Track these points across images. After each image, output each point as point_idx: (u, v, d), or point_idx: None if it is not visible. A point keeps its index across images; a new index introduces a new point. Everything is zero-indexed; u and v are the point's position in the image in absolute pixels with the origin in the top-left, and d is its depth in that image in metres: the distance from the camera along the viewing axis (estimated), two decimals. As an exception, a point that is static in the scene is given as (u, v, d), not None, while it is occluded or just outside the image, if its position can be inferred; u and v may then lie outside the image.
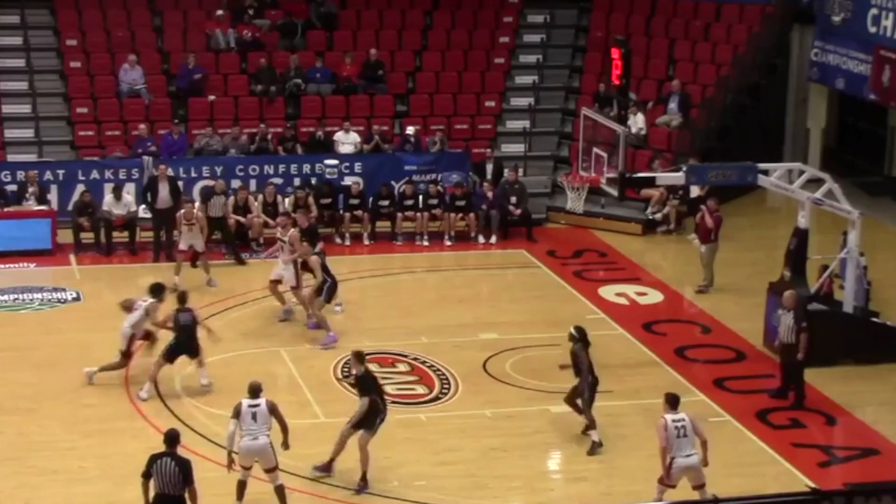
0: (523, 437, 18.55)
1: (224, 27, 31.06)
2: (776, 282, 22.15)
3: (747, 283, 24.67)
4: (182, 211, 24.52)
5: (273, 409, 16.20)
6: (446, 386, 20.28)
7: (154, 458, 14.75)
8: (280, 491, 16.22)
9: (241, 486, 16.23)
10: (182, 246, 24.42)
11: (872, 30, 29.11)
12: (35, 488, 16.75)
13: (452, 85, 31.59)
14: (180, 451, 15.01)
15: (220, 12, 31.30)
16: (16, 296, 23.85)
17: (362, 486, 16.94)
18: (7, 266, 25.41)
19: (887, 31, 28.61)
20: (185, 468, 14.64)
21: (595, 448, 18.22)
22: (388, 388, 20.00)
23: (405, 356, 21.16)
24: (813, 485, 16.71)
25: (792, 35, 32.81)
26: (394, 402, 19.54)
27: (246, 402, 16.17)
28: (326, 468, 17.24)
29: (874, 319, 22.07)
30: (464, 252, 27.30)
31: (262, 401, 16.16)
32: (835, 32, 30.46)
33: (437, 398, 19.90)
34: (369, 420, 16.91)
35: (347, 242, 26.84)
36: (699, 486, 15.95)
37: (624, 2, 33.16)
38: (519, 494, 17.01)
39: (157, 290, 20.33)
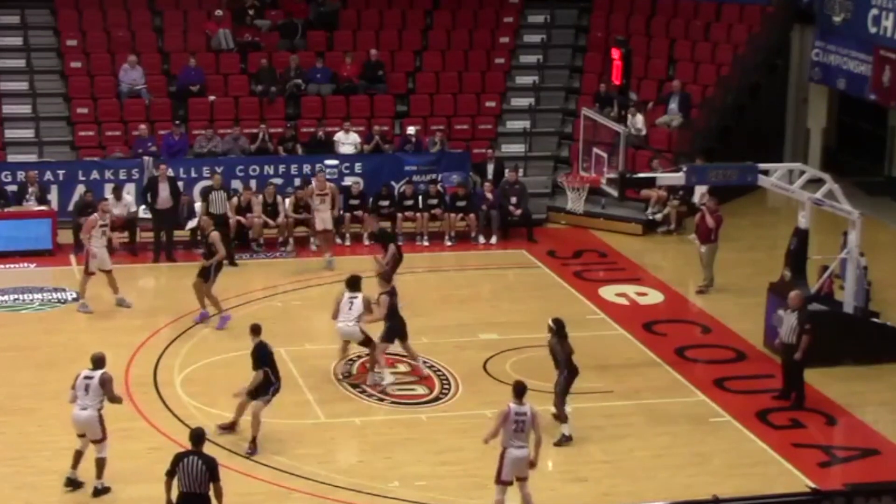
0: (523, 437, 18.54)
1: (224, 26, 31.05)
2: (776, 282, 22.16)
3: (747, 283, 24.67)
4: (95, 214, 23.43)
5: (104, 384, 16.47)
6: (447, 386, 20.28)
7: (180, 457, 14.73)
8: (99, 463, 16.51)
9: (77, 456, 16.58)
10: (92, 267, 22.96)
11: (873, 30, 29.13)
12: (35, 488, 16.74)
13: (453, 85, 31.59)
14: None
15: (219, 12, 31.29)
16: (16, 296, 23.86)
17: (253, 450, 17.68)
18: (7, 266, 25.42)
19: (887, 32, 28.63)
20: (211, 466, 14.62)
21: (563, 440, 18.35)
22: (389, 389, 20.07)
23: (406, 356, 21.14)
24: (813, 485, 16.71)
25: (792, 35, 32.83)
26: (394, 403, 19.66)
27: (84, 372, 16.55)
28: (230, 427, 18.15)
29: (874, 319, 22.06)
30: (464, 252, 27.31)
31: (97, 373, 16.46)
32: (835, 32, 30.47)
33: (437, 398, 19.89)
34: (263, 390, 17.82)
35: (347, 243, 26.82)
36: (522, 479, 15.85)
37: (624, 2, 33.17)
38: (519, 494, 16.98)
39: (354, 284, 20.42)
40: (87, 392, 16.44)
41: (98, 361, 16.63)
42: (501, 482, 15.74)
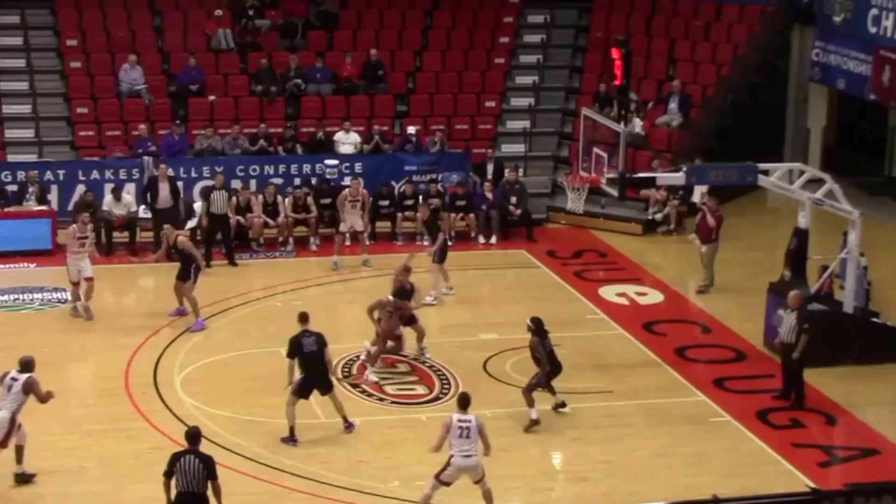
0: (523, 436, 18.54)
1: (224, 26, 31.04)
2: (776, 282, 22.16)
3: (747, 283, 24.67)
4: (74, 226, 22.99)
5: (28, 388, 16.41)
6: (446, 386, 20.28)
7: (177, 457, 14.66)
8: (19, 450, 16.60)
9: (18, 450, 16.58)
10: (73, 276, 22.64)
11: (873, 30, 29.12)
12: (35, 488, 16.73)
13: (453, 85, 31.59)
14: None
15: (218, 12, 31.29)
16: (16, 296, 23.86)
17: (286, 439, 17.92)
18: (7, 266, 25.42)
19: (887, 32, 28.62)
20: (208, 464, 14.59)
21: (532, 424, 18.57)
22: (389, 389, 20.09)
23: (405, 356, 21.15)
24: (813, 485, 16.70)
25: (792, 35, 32.83)
26: (394, 403, 19.66)
27: (11, 373, 16.52)
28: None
29: (874, 319, 22.06)
30: (464, 252, 27.28)
31: (22, 377, 16.42)
32: (835, 32, 30.47)
33: (437, 398, 19.89)
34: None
35: (348, 242, 26.80)
36: (479, 480, 15.94)
37: (624, 2, 33.17)
38: (519, 494, 17.00)
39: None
40: (8, 392, 16.43)
41: (26, 365, 16.56)
42: (439, 479, 15.82)
